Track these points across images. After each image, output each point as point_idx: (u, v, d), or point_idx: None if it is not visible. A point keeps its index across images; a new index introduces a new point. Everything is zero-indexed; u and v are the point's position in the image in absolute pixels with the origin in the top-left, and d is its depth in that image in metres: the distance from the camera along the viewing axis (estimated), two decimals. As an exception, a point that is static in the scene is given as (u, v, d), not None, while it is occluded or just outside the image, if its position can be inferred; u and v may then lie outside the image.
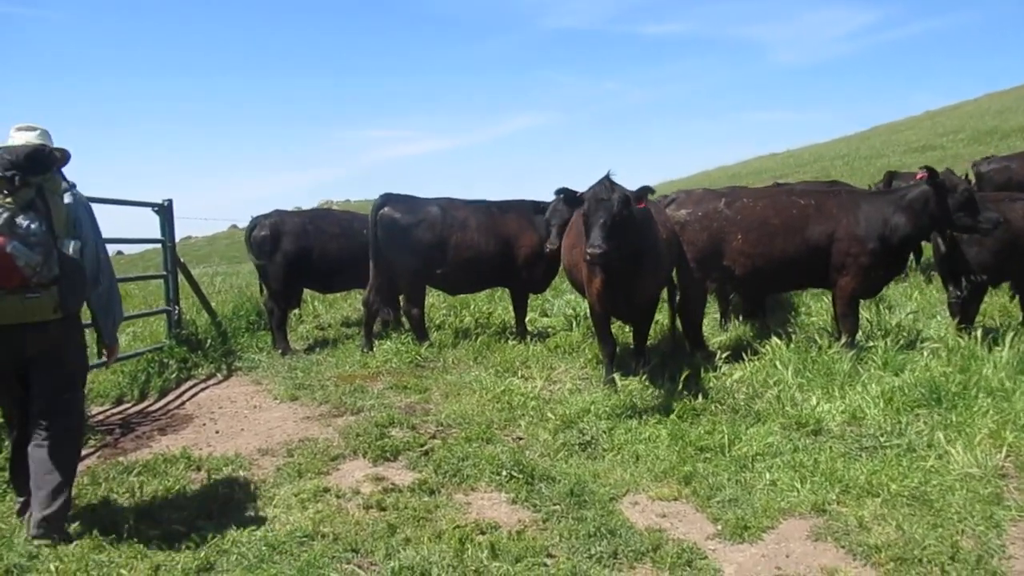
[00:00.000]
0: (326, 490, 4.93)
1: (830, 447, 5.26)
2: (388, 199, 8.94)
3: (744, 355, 7.23)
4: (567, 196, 6.34)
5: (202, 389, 7.91)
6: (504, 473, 5.10)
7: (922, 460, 4.93)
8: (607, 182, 6.06)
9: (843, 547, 4.05)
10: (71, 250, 4.15)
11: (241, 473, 5.29)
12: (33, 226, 3.96)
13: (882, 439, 5.25)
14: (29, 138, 4.27)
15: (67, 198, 4.25)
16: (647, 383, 6.56)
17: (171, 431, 6.49)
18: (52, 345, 4.21)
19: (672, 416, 5.99)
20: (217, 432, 6.38)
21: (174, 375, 8.12)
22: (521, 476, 5.05)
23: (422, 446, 5.68)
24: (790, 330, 8.27)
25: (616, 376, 6.69)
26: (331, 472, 5.32)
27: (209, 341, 9.04)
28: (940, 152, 29.68)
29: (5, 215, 3.91)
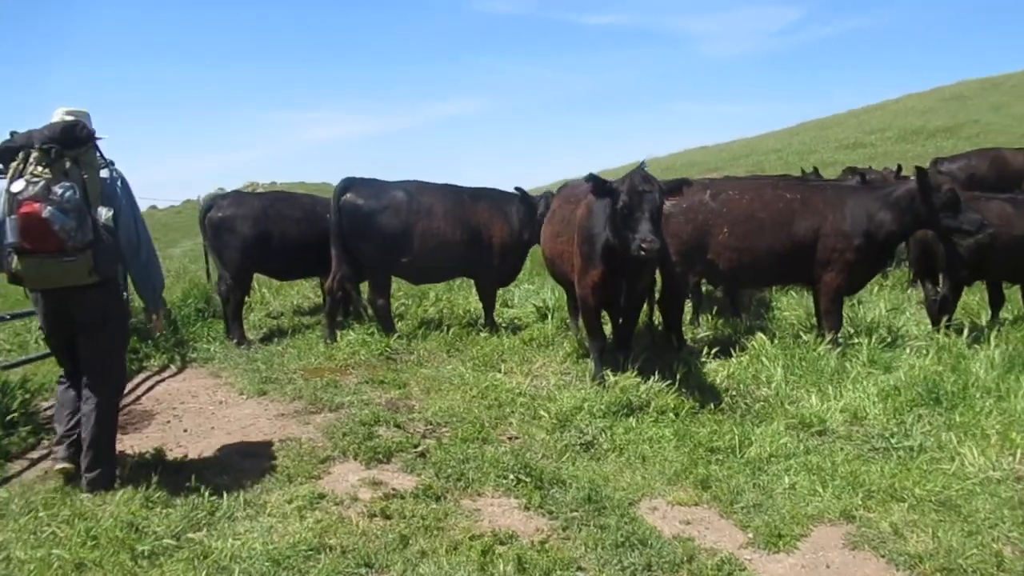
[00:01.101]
0: (321, 496, 4.57)
1: (841, 448, 5.16)
2: (351, 183, 8.51)
3: (732, 351, 7.10)
4: (596, 185, 6.05)
5: (157, 383, 7.37)
6: (511, 477, 4.82)
7: (937, 463, 4.85)
8: (645, 173, 5.90)
9: (883, 556, 3.91)
10: (103, 217, 4.46)
11: (225, 478, 4.86)
12: (68, 194, 4.30)
13: (892, 440, 5.16)
14: (66, 118, 4.61)
15: (103, 173, 4.59)
16: (637, 379, 6.35)
17: (133, 430, 5.98)
18: (94, 310, 4.58)
19: (670, 415, 5.82)
20: (186, 431, 5.91)
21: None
22: (529, 480, 4.78)
23: (415, 447, 5.35)
24: (765, 325, 8.23)
25: (608, 372, 6.46)
26: (322, 476, 4.94)
27: (159, 330, 8.46)
28: (870, 149, 30.45)
29: (42, 183, 4.28)
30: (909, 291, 9.96)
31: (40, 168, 4.31)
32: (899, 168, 11.04)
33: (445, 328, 8.66)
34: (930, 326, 7.61)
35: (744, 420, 5.69)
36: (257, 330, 9.69)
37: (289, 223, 9.03)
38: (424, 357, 7.82)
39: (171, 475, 4.88)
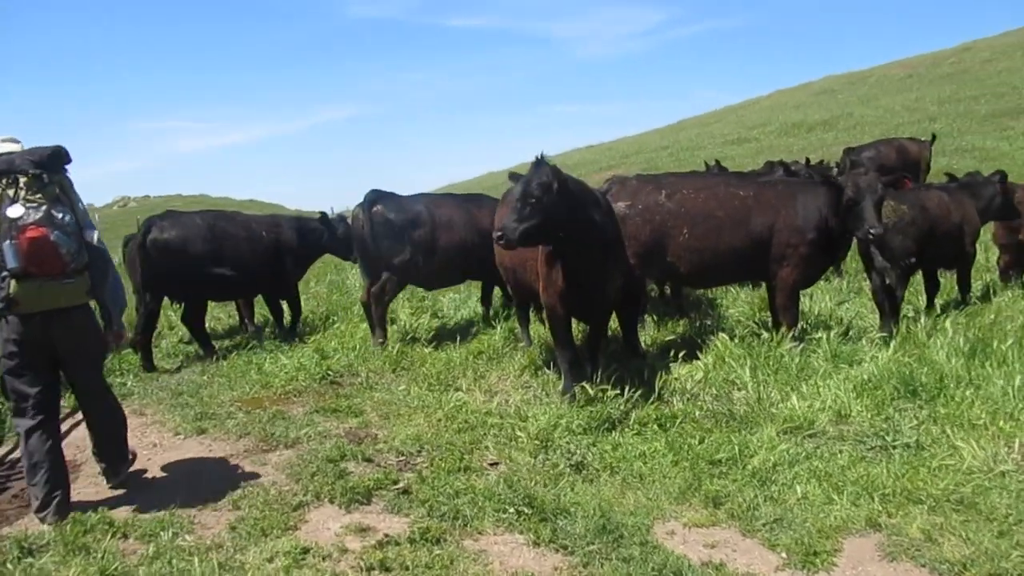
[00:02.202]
0: (305, 551, 4.05)
1: (839, 451, 5.02)
2: (378, 196, 8.36)
3: (694, 353, 6.92)
4: (512, 175, 5.96)
5: (73, 426, 6.55)
6: (511, 510, 4.44)
7: (939, 459, 4.76)
8: (539, 161, 5.69)
9: (924, 566, 3.77)
10: (94, 239, 4.62)
11: (187, 538, 4.26)
12: (66, 218, 4.45)
13: (887, 438, 5.07)
14: (12, 148, 4.59)
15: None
16: (613, 391, 6.07)
17: (59, 485, 5.23)
18: (79, 328, 4.65)
19: (652, 427, 5.57)
20: (124, 483, 5.21)
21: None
22: (531, 511, 4.42)
23: (395, 483, 4.88)
24: (715, 324, 8.13)
25: (586, 385, 6.12)
26: (299, 526, 4.41)
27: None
28: (755, 144, 31.49)
29: (44, 208, 4.36)
30: (835, 281, 10.09)
31: (32, 193, 4.38)
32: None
33: (391, 347, 8.16)
34: (877, 317, 7.66)
35: (731, 427, 5.49)
36: (173, 358, 8.90)
37: (235, 243, 8.67)
38: (371, 379, 7.30)
39: (122, 538, 4.24)
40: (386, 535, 4.22)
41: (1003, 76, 33.80)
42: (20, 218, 4.30)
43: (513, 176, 5.97)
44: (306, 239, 9.50)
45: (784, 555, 3.94)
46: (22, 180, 4.38)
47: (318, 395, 6.91)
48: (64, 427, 6.38)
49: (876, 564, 3.83)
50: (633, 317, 7.23)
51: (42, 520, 4.52)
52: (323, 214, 9.88)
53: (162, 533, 4.31)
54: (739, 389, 6.22)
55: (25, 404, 4.60)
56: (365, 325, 9.38)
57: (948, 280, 8.70)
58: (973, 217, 7.97)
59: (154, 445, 5.94)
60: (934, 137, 15.09)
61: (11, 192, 4.36)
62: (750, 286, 9.34)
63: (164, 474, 5.32)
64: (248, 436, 5.91)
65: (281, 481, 5.00)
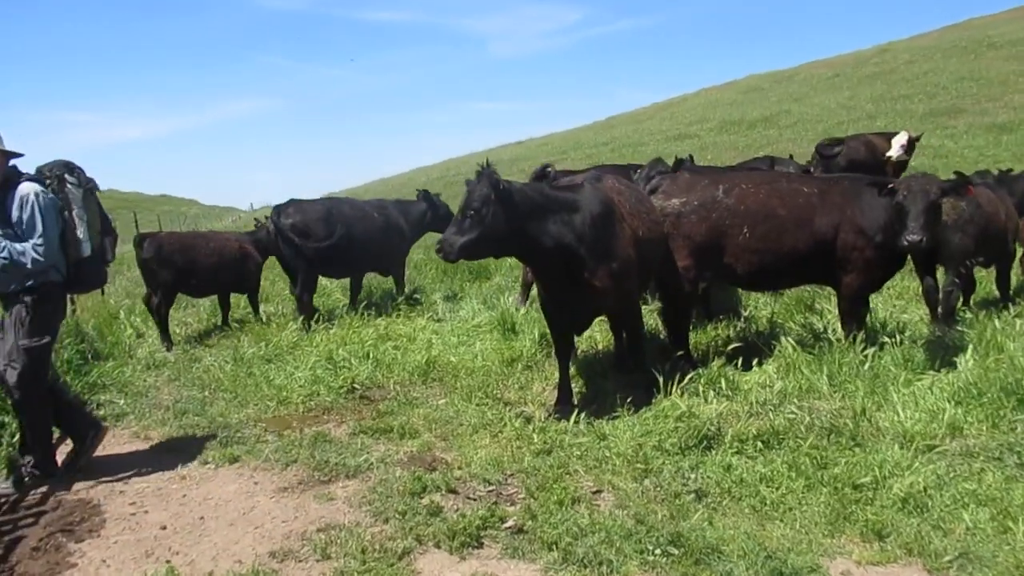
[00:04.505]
0: (436, 613, 3.38)
1: (980, 469, 4.59)
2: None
3: (755, 360, 6.44)
4: (468, 181, 5.55)
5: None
6: (656, 551, 3.85)
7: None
8: (483, 170, 5.31)
9: None
10: None
11: (286, 604, 3.53)
12: None
13: (1025, 454, 4.67)
14: None
15: None
16: (704, 404, 5.55)
17: (84, 532, 4.38)
18: None
19: (753, 444, 5.07)
20: (165, 529, 4.38)
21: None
22: (678, 552, 3.84)
23: (502, 520, 4.22)
24: (752, 327, 7.71)
25: (676, 399, 5.57)
26: (414, 580, 3.72)
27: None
28: (696, 140, 31.56)
29: None
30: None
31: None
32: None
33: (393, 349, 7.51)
34: (929, 318, 7.36)
35: (843, 444, 5.01)
36: (154, 369, 7.95)
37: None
38: (403, 392, 6.59)
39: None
40: (528, 589, 3.58)
41: (929, 76, 34.87)
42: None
43: (468, 182, 5.46)
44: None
45: (996, 599, 3.48)
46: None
47: (353, 412, 6.18)
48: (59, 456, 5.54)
49: (1102, 606, 3.41)
50: (634, 329, 6.42)
51: None
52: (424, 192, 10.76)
53: (248, 597, 3.56)
54: (819, 399, 5.79)
55: None
56: (364, 328, 8.67)
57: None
58: (1014, 213, 7.78)
59: (182, 478, 5.11)
60: (919, 137, 15.11)
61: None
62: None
63: (214, 515, 4.51)
64: (295, 464, 5.15)
65: (365, 521, 4.28)
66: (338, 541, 4.03)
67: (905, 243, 5.86)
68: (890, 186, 6.16)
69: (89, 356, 7.96)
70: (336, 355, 7.43)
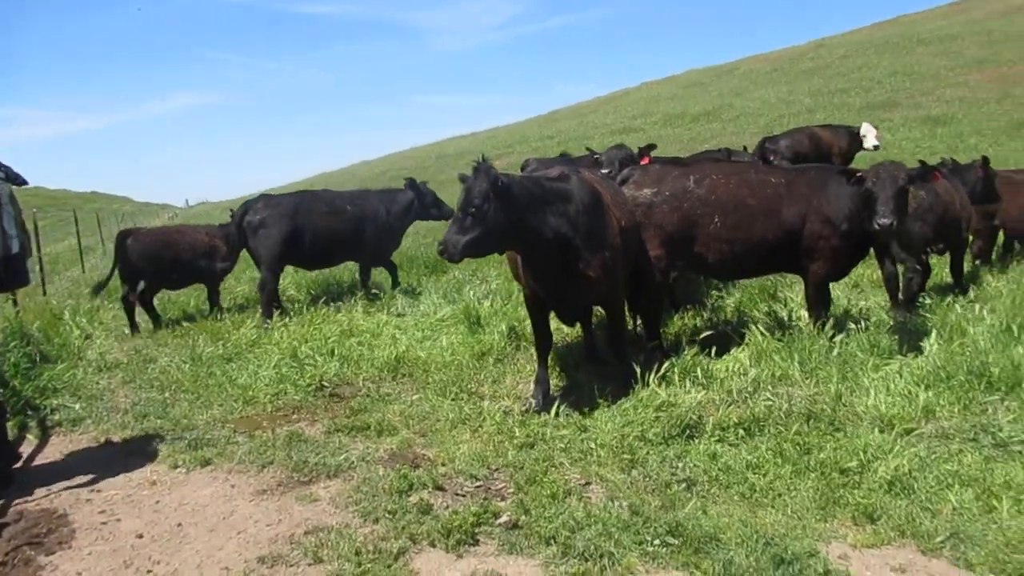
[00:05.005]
0: (439, 614, 3.29)
1: (958, 450, 4.68)
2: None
3: (723, 348, 6.48)
4: (462, 176, 5.49)
5: (28, 463, 5.39)
6: (655, 542, 3.82)
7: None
8: (479, 166, 5.20)
9: None
10: None
11: (283, 610, 3.39)
12: None
13: (1001, 435, 4.76)
14: None
15: None
16: (683, 392, 5.56)
17: (53, 544, 4.15)
18: None
19: (734, 431, 5.09)
20: (142, 538, 4.19)
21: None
22: (678, 541, 3.82)
23: (496, 516, 4.14)
24: (719, 316, 7.78)
25: (655, 387, 5.56)
26: (412, 580, 3.62)
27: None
28: (641, 133, 31.90)
29: None
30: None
31: None
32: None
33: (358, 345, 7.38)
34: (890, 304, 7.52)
35: (823, 429, 5.05)
36: (106, 371, 7.64)
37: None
38: (374, 389, 6.46)
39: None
40: (531, 585, 3.51)
41: (864, 71, 35.86)
42: None
43: (462, 178, 5.38)
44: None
45: (993, 578, 3.54)
46: None
47: (325, 411, 6.03)
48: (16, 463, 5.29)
49: (1093, 581, 3.49)
50: (620, 319, 6.34)
51: None
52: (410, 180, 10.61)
53: (242, 605, 3.42)
54: (793, 385, 5.85)
55: None
56: (325, 325, 8.49)
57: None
58: (967, 202, 8.00)
59: (153, 483, 4.90)
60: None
61: None
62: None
63: (191, 521, 4.33)
64: (272, 466, 4.98)
65: (354, 522, 4.16)
66: (329, 544, 3.89)
67: (876, 226, 5.93)
68: (859, 175, 6.25)
69: (36, 359, 7.60)
70: (300, 352, 7.27)
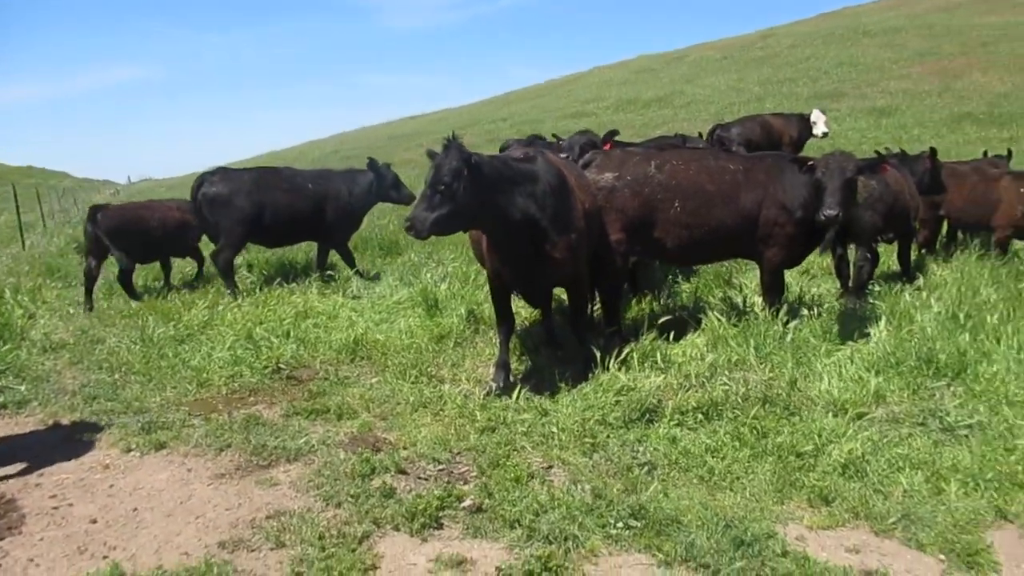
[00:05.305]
0: (405, 597, 3.29)
1: (907, 434, 4.83)
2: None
3: (690, 334, 6.58)
4: (430, 152, 5.40)
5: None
6: (619, 524, 3.87)
7: (1010, 440, 4.67)
8: (449, 143, 5.18)
9: (1083, 558, 3.61)
10: None
11: (243, 595, 3.35)
12: None
13: (949, 419, 4.92)
14: None
15: None
16: (642, 376, 5.62)
17: (2, 530, 4.03)
18: None
19: (693, 415, 5.17)
20: (95, 522, 4.09)
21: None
22: (640, 524, 3.88)
23: (459, 499, 4.15)
24: (676, 302, 7.87)
25: (615, 371, 5.61)
26: (377, 563, 3.61)
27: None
28: (594, 118, 31.95)
29: None
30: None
31: None
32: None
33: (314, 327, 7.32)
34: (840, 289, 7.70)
35: (779, 414, 5.15)
36: (51, 352, 7.42)
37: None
38: (332, 371, 6.39)
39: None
40: (498, 568, 3.52)
41: (811, 62, 36.48)
42: None
43: (431, 153, 5.33)
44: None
45: (941, 558, 3.66)
46: None
47: (282, 393, 5.95)
48: None
49: (1040, 561, 3.64)
50: (582, 301, 6.38)
51: None
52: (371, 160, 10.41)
53: (203, 591, 3.37)
54: (749, 370, 5.96)
55: None
56: (280, 306, 8.37)
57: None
58: (915, 192, 8.21)
59: (106, 467, 4.79)
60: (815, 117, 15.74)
61: None
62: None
63: (148, 506, 4.24)
64: (230, 449, 4.91)
65: (316, 506, 4.12)
66: (291, 528, 3.86)
67: (822, 218, 6.08)
68: (810, 163, 6.36)
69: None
70: (255, 334, 7.15)
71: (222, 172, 9.47)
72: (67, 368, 6.93)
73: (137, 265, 9.83)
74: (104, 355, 7.16)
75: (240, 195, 9.12)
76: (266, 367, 6.39)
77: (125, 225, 9.45)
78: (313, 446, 4.88)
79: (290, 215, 9.44)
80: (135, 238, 9.47)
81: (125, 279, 9.54)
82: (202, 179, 9.26)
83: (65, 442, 5.23)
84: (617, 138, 9.15)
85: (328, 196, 9.76)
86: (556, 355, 6.50)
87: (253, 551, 3.72)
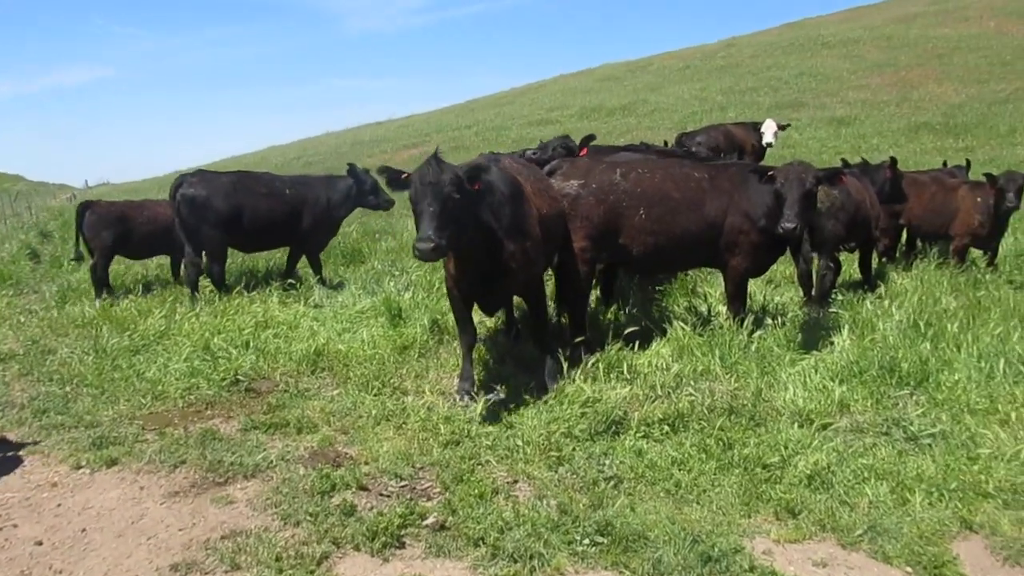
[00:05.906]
0: (366, 621, 3.19)
1: (872, 444, 4.84)
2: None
3: (655, 344, 6.54)
4: (391, 177, 5.32)
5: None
6: (585, 541, 3.81)
7: (972, 449, 4.70)
8: (434, 160, 5.04)
9: (1047, 569, 3.61)
10: None
11: (201, 621, 3.22)
12: None
13: (912, 429, 4.93)
14: None
15: None
16: (589, 386, 5.56)
17: (-59, 554, 3.85)
18: None
19: (660, 428, 5.13)
20: (40, 544, 3.92)
21: None
22: (606, 540, 3.83)
23: (422, 517, 4.05)
24: (633, 311, 7.84)
25: (580, 382, 5.54)
26: (336, 586, 3.49)
27: None
28: (558, 125, 31.98)
29: None
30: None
31: None
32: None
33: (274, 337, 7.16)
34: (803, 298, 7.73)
35: (744, 425, 5.13)
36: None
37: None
38: (293, 383, 6.24)
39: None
40: (461, 589, 3.43)
41: (772, 71, 36.94)
42: None
43: (423, 173, 5.01)
44: None
45: (908, 571, 3.65)
46: None
47: (240, 406, 5.80)
48: None
49: (1002, 571, 3.64)
50: (541, 309, 6.28)
51: None
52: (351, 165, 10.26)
53: (154, 616, 3.23)
54: (714, 380, 5.93)
55: None
56: (239, 315, 8.18)
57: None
58: (876, 201, 8.29)
59: (53, 484, 4.61)
60: (785, 126, 15.95)
61: None
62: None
63: (98, 526, 4.08)
64: (184, 466, 4.75)
65: (273, 525, 4.00)
66: (247, 549, 3.73)
67: (781, 230, 6.09)
68: (770, 173, 6.36)
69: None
70: (213, 345, 6.97)
71: (201, 174, 9.24)
72: (16, 380, 6.70)
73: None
74: (55, 366, 6.94)
75: (218, 197, 8.92)
76: (224, 379, 6.22)
77: (114, 222, 9.74)
78: (271, 462, 4.74)
79: (268, 219, 9.27)
80: (124, 235, 9.75)
81: (100, 275, 9.70)
82: (181, 180, 9.06)
83: (11, 458, 5.03)
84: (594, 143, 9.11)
85: (307, 201, 9.62)
86: (522, 365, 6.43)
87: (207, 574, 3.59)
